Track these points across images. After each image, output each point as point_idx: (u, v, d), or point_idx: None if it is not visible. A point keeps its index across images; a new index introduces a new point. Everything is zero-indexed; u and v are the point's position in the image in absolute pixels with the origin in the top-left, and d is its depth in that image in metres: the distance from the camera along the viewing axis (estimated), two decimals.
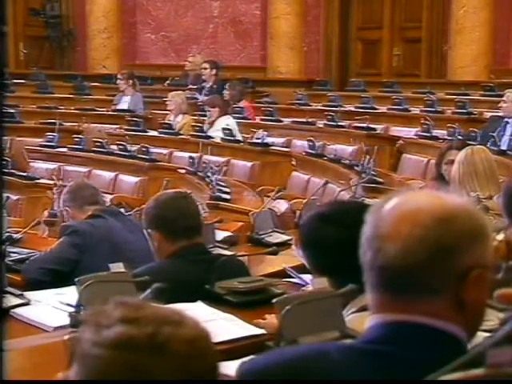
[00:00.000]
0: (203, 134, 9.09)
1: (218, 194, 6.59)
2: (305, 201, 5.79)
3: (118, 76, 11.22)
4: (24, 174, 7.96)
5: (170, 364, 1.33)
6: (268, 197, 6.15)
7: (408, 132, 9.07)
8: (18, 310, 3.26)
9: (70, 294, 3.31)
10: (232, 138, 8.91)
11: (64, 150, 8.91)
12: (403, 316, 1.53)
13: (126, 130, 9.78)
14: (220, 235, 4.83)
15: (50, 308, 3.33)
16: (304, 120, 9.63)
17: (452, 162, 5.00)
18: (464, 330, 1.54)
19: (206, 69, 11.48)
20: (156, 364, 1.32)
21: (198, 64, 11.90)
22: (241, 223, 5.48)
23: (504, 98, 8.35)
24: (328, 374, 1.53)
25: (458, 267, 1.51)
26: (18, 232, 4.88)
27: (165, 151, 8.96)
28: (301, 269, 3.58)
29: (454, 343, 1.53)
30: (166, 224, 3.48)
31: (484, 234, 1.54)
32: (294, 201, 6.40)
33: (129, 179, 7.90)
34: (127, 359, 1.32)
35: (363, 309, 2.20)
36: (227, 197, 6.58)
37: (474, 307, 1.54)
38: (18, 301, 3.36)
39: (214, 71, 11.45)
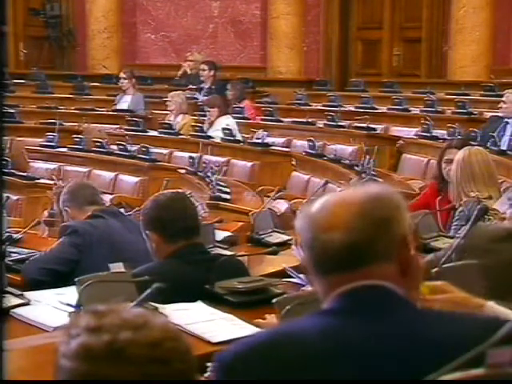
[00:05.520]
0: (203, 134, 9.09)
1: (217, 193, 6.59)
2: (305, 201, 5.79)
3: (121, 75, 11.20)
4: (24, 174, 7.97)
5: (131, 369, 1.32)
6: (268, 197, 6.15)
7: (408, 132, 9.07)
8: (18, 310, 3.26)
9: (69, 294, 3.31)
10: (232, 138, 8.91)
11: (64, 149, 8.91)
12: (359, 282, 1.66)
13: (126, 129, 9.78)
14: (220, 235, 4.83)
15: (50, 308, 3.33)
16: (304, 120, 9.63)
17: (450, 161, 5.00)
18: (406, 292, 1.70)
19: (204, 70, 11.48)
20: (115, 371, 1.31)
21: (200, 61, 11.89)
22: (241, 223, 5.48)
23: (504, 99, 8.34)
24: (298, 349, 1.60)
25: (397, 235, 1.68)
26: (18, 232, 4.88)
27: (165, 151, 8.96)
28: (301, 269, 3.58)
29: (405, 303, 1.68)
30: (164, 225, 3.47)
31: (405, 207, 1.75)
32: (294, 201, 6.40)
33: (129, 179, 7.90)
34: (87, 370, 1.32)
35: None
36: (227, 197, 6.58)
37: (415, 270, 1.72)
38: (18, 301, 3.36)
39: (212, 72, 11.44)
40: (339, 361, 1.58)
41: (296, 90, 11.16)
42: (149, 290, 2.70)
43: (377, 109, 9.99)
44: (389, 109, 9.99)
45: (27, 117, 10.50)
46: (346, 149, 8.46)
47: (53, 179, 7.18)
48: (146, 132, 9.63)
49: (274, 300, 2.80)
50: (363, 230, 1.65)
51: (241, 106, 10.36)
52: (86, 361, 1.32)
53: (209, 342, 2.84)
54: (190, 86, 11.55)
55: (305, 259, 1.70)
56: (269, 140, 8.82)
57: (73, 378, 1.33)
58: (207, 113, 9.51)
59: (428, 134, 8.44)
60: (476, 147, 5.19)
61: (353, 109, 10.08)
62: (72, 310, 3.12)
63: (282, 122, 9.80)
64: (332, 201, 1.72)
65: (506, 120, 8.16)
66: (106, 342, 1.32)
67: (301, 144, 8.80)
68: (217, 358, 1.64)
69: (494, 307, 2.12)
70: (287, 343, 1.62)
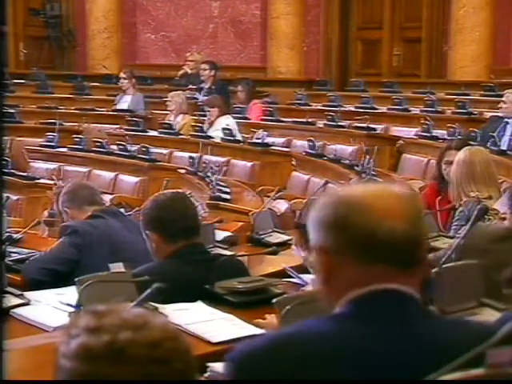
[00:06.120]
0: (203, 134, 9.09)
1: (218, 193, 6.59)
2: (305, 201, 5.79)
3: (121, 75, 11.20)
4: (24, 174, 7.97)
5: (131, 369, 1.32)
6: (268, 197, 6.15)
7: (408, 132, 9.07)
8: (18, 310, 3.26)
9: (69, 294, 3.31)
10: (232, 138, 8.91)
11: (64, 149, 8.91)
12: (381, 285, 1.60)
13: (126, 129, 9.78)
14: (220, 235, 4.83)
15: (50, 308, 3.33)
16: (304, 120, 9.63)
17: (450, 162, 5.00)
18: None
19: (204, 70, 11.49)
20: (115, 371, 1.31)
21: (200, 61, 11.90)
22: (241, 223, 5.48)
23: (504, 99, 8.34)
24: (314, 346, 1.58)
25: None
26: (18, 232, 4.88)
27: (165, 151, 8.96)
28: (301, 269, 3.59)
29: (422, 310, 1.65)
30: (163, 225, 3.47)
31: None
32: (294, 201, 6.41)
33: (129, 179, 7.91)
34: (87, 370, 1.32)
35: None
36: (227, 197, 6.58)
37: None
38: (18, 301, 3.36)
39: (212, 72, 11.45)
40: (349, 364, 1.57)
41: (296, 90, 11.15)
42: (149, 290, 2.70)
43: (377, 109, 9.99)
44: (389, 109, 9.99)
45: (27, 117, 10.50)
46: (346, 149, 8.45)
47: (53, 179, 7.18)
48: (146, 132, 9.63)
49: (274, 300, 2.80)
50: (420, 228, 1.61)
51: (249, 105, 10.36)
52: (86, 361, 1.32)
53: (209, 342, 2.84)
54: (190, 86, 11.55)
55: (336, 240, 1.61)
56: (269, 140, 8.82)
57: (73, 378, 1.33)
58: (207, 113, 9.51)
59: (428, 134, 8.44)
60: (476, 147, 5.19)
61: (353, 109, 10.08)
62: (72, 309, 3.13)
63: (282, 121, 9.80)
64: (381, 191, 1.65)
65: (506, 120, 8.16)
66: (106, 342, 1.32)
67: (301, 144, 8.80)
68: (227, 357, 1.63)
69: None
70: (298, 343, 1.60)
